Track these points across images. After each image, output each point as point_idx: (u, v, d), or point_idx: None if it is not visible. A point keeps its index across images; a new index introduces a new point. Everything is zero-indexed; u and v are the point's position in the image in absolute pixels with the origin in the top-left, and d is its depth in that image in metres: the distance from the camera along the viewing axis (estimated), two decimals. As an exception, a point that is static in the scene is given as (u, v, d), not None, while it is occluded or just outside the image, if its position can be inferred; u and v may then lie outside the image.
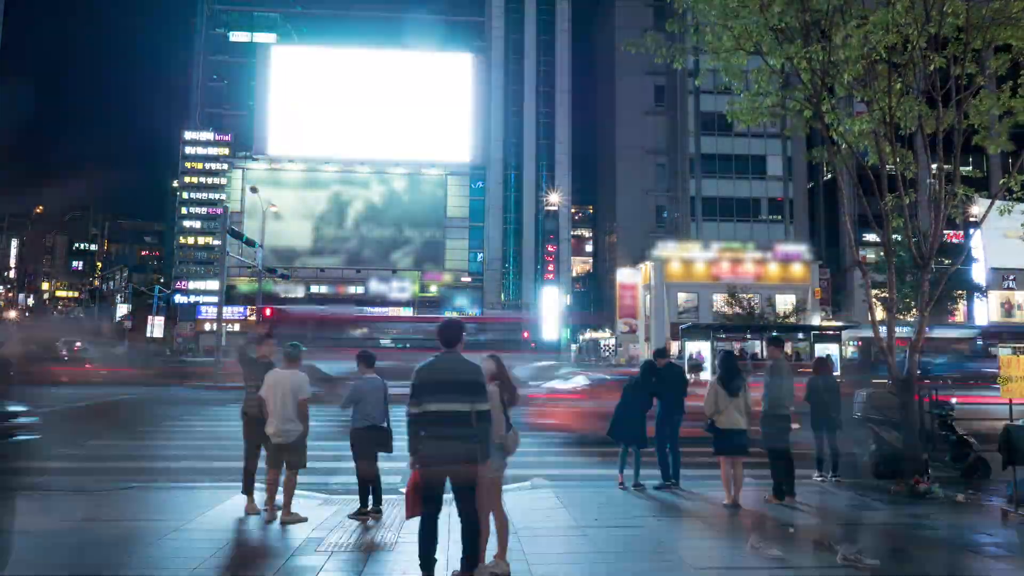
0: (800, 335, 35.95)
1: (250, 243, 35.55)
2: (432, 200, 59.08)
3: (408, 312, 55.55)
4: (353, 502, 7.64)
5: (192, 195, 70.03)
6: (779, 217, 55.29)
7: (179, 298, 63.44)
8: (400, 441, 5.82)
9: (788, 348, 34.13)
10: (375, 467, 7.05)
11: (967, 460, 9.32)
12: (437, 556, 4.87)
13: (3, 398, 4.81)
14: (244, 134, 62.56)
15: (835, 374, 12.71)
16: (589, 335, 63.45)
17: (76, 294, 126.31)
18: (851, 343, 34.48)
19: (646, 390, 8.63)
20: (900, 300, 30.60)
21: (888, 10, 8.31)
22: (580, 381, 13.98)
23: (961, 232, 37.87)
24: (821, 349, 33.76)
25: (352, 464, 7.19)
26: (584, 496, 8.23)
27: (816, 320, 44.49)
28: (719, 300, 44.94)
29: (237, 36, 70.22)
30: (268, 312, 29.78)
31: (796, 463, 8.14)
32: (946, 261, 12.61)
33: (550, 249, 57.51)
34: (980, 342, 29.25)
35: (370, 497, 7.06)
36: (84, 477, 9.26)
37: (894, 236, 10.12)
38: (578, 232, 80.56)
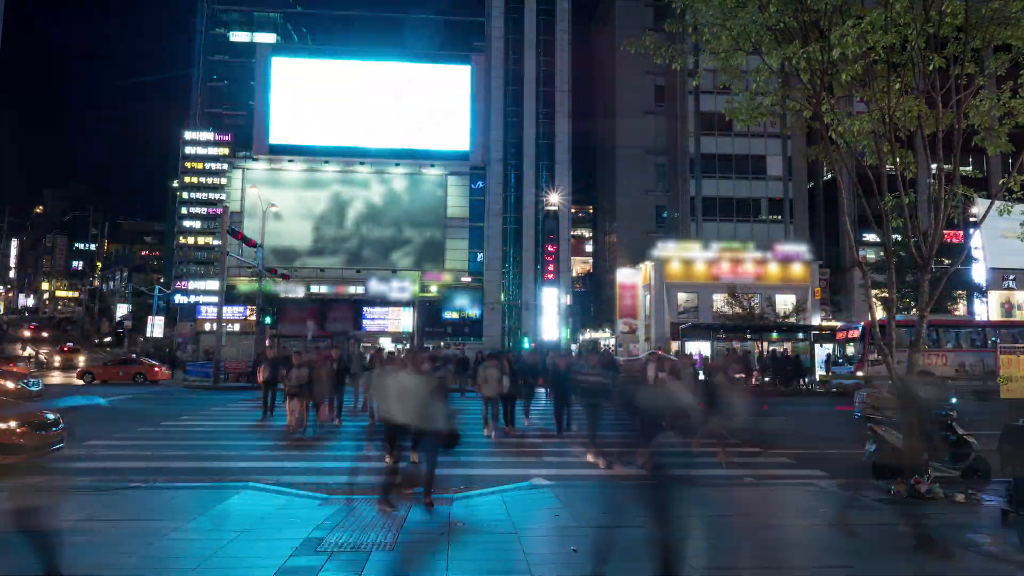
0: (800, 335, 36.02)
1: (250, 243, 35.55)
2: (432, 200, 59.04)
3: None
4: (354, 502, 7.64)
5: (192, 195, 69.98)
6: (779, 217, 55.28)
7: (179, 298, 63.42)
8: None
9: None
10: None
11: (967, 460, 9.33)
12: None
13: None
14: (244, 134, 62.54)
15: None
16: (589, 335, 63.47)
17: (76, 294, 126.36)
18: (851, 344, 34.38)
19: None
20: (900, 300, 30.60)
21: (886, 10, 8.30)
22: None
23: (961, 232, 37.86)
24: (821, 349, 33.92)
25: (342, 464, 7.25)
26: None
27: (816, 320, 44.50)
28: (719, 300, 44.95)
29: (237, 36, 70.19)
30: None
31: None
32: (946, 261, 12.63)
33: (550, 249, 57.37)
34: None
35: None
36: (84, 477, 9.26)
37: (894, 236, 10.13)
38: (578, 232, 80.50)
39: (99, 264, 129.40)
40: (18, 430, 9.41)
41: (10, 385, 17.80)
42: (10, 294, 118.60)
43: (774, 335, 35.90)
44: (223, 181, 62.49)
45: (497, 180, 59.15)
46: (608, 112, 62.18)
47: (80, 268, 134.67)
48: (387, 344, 54.44)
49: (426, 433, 7.29)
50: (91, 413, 16.74)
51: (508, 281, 59.50)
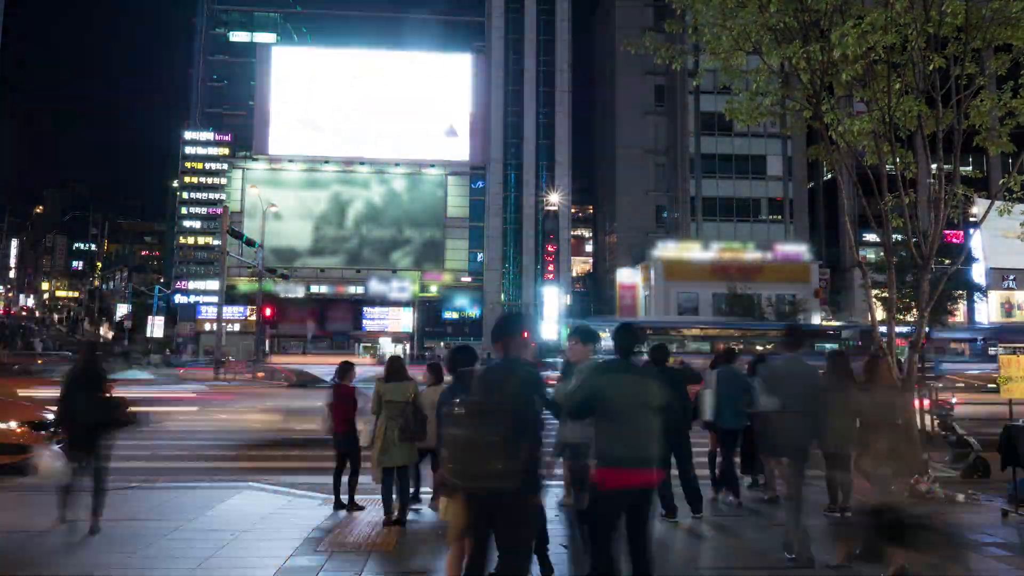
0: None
1: (250, 243, 35.52)
2: (432, 200, 59.07)
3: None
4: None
5: (192, 195, 70.06)
6: (779, 217, 55.28)
7: (179, 298, 63.45)
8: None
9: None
10: None
11: (967, 460, 9.32)
12: None
13: None
14: (244, 134, 62.57)
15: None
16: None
17: (76, 294, 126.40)
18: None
19: None
20: (900, 300, 30.57)
21: (886, 10, 8.30)
22: None
23: (961, 232, 37.78)
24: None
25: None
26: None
27: (816, 320, 44.50)
28: (719, 300, 44.97)
29: (237, 36, 70.25)
30: None
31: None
32: (946, 261, 12.63)
33: (550, 249, 57.44)
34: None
35: None
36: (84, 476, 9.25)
37: (894, 236, 10.12)
38: (578, 232, 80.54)
39: (99, 264, 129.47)
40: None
41: None
42: (10, 294, 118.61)
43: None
44: (223, 181, 62.55)
45: (497, 180, 59.16)
46: (608, 112, 62.17)
47: (80, 268, 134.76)
48: (387, 344, 54.43)
49: None
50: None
51: (508, 281, 59.54)
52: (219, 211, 53.28)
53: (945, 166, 9.07)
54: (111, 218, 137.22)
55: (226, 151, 65.05)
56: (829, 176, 55.15)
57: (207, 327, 55.69)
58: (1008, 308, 42.94)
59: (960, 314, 41.15)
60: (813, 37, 9.04)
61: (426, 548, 6.13)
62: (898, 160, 9.37)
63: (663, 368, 7.42)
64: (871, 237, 42.18)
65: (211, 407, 15.95)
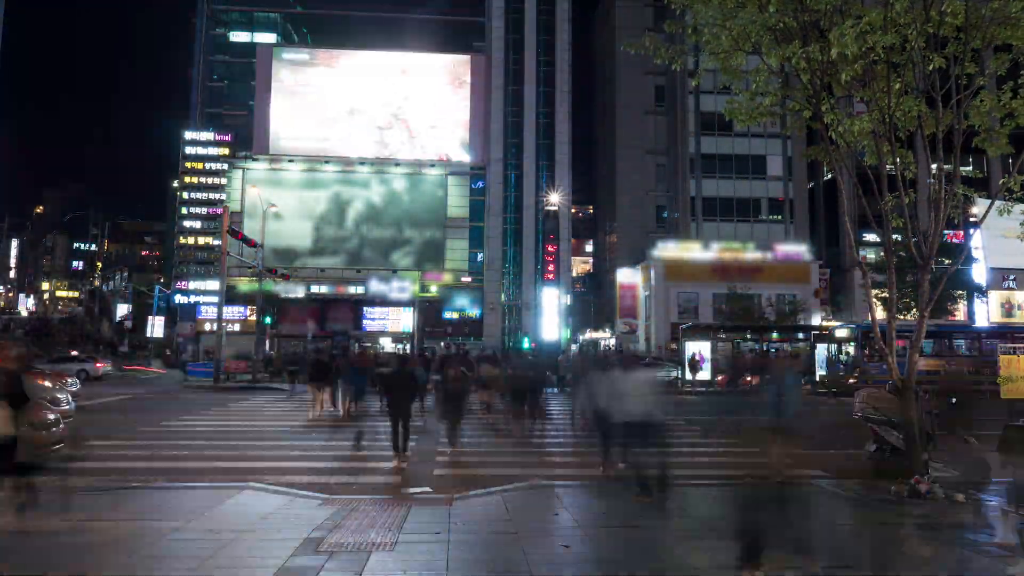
0: (800, 335, 35.96)
1: (250, 243, 35.52)
2: (432, 200, 59.02)
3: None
4: (354, 502, 7.66)
5: (192, 195, 70.06)
6: (779, 217, 55.27)
7: (179, 298, 63.41)
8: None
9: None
10: None
11: (967, 460, 9.32)
12: None
13: None
14: (244, 134, 62.55)
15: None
16: (589, 335, 63.46)
17: (76, 294, 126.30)
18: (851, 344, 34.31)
19: None
20: (900, 300, 30.57)
21: (885, 10, 8.30)
22: None
23: (961, 232, 37.80)
24: (821, 349, 33.83)
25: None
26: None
27: (816, 320, 44.48)
28: (719, 300, 44.93)
29: (237, 36, 70.29)
30: None
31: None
32: (946, 261, 12.62)
33: (550, 249, 57.44)
34: None
35: None
36: (84, 477, 9.26)
37: (894, 236, 10.12)
38: (578, 232, 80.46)
39: (99, 264, 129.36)
40: None
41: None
42: (10, 294, 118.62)
43: (774, 335, 35.82)
44: (223, 181, 62.53)
45: (497, 180, 59.13)
46: (608, 112, 62.17)
47: (80, 268, 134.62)
48: (387, 344, 54.38)
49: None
50: (89, 415, 16.79)
51: (508, 281, 59.50)
52: (219, 211, 53.26)
53: (945, 166, 9.07)
54: (111, 218, 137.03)
55: (226, 151, 65.06)
56: (829, 176, 55.15)
57: (207, 327, 55.61)
58: (1008, 308, 42.88)
59: (960, 314, 41.14)
60: (813, 37, 9.04)
61: (428, 547, 6.14)
62: (898, 160, 9.37)
63: None
64: (871, 237, 42.22)
65: None
